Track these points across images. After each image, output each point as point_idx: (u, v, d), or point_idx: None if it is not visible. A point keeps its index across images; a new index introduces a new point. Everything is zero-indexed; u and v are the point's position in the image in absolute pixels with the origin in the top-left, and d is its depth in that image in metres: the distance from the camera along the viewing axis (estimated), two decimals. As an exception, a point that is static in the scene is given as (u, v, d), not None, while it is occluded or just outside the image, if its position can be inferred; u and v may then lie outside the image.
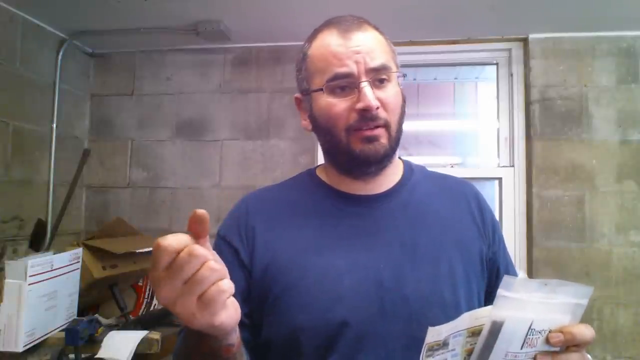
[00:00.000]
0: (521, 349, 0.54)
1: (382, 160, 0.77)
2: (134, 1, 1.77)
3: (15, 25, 1.85)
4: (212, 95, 2.24)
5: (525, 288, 0.52)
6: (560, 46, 2.02)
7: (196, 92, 2.25)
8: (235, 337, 0.59)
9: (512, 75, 2.12)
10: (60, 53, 2.05)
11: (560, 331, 0.56)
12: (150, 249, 2.10)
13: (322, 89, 0.76)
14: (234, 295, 0.53)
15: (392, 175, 0.83)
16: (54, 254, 1.49)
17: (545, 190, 1.97)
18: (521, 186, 2.05)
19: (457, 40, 2.11)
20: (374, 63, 0.74)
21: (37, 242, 1.84)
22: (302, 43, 0.84)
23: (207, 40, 2.10)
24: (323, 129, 0.78)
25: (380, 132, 0.75)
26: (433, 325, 0.60)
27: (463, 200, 0.85)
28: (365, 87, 0.73)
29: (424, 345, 0.55)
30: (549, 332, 0.55)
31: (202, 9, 1.86)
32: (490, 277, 0.82)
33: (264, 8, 1.83)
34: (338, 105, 0.75)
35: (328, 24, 0.81)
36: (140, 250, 1.89)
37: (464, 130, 2.95)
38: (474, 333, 0.54)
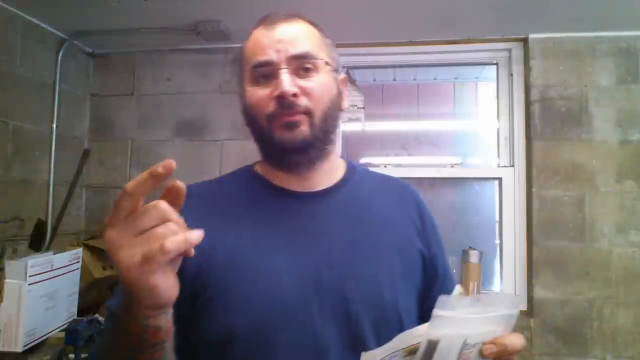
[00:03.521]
0: None
1: (303, 148, 0.74)
2: (134, 1, 1.77)
3: (15, 25, 1.85)
4: (212, 95, 2.24)
5: (460, 305, 0.53)
6: (560, 46, 2.02)
7: (196, 92, 2.25)
8: (165, 322, 0.53)
9: (512, 75, 2.12)
10: (60, 53, 2.05)
11: (493, 343, 0.57)
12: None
13: (245, 78, 0.76)
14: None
15: (331, 173, 0.82)
16: (54, 254, 1.49)
17: (545, 190, 1.97)
18: (521, 186, 2.05)
19: (457, 40, 2.11)
20: (296, 50, 0.73)
21: (37, 242, 1.84)
22: None
23: (207, 40, 2.10)
24: (250, 120, 0.78)
25: (301, 118, 0.73)
26: (367, 325, 0.63)
27: (404, 201, 0.85)
28: (283, 74, 0.72)
29: None
30: (482, 344, 0.56)
31: (202, 9, 1.86)
32: (429, 279, 0.82)
33: (264, 8, 1.80)
34: (259, 93, 0.74)
35: (259, 20, 0.81)
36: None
37: (464, 130, 2.95)
38: (411, 352, 0.55)
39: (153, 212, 0.47)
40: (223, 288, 0.69)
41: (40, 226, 1.87)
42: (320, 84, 0.75)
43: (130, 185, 0.47)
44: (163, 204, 0.48)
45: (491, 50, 2.16)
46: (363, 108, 2.26)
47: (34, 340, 1.36)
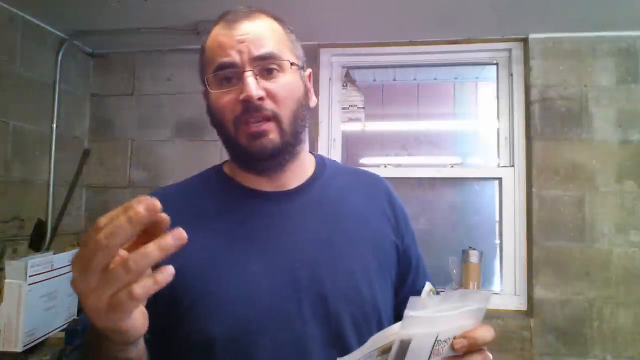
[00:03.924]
0: (429, 359, 0.57)
1: (273, 156, 0.72)
2: (134, 1, 1.77)
3: (15, 25, 1.85)
4: (212, 95, 2.23)
5: (431, 304, 0.55)
6: (560, 46, 2.02)
7: (196, 92, 2.22)
8: (135, 354, 0.53)
9: (512, 75, 2.12)
10: (60, 53, 2.05)
11: (464, 337, 0.58)
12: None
13: (208, 81, 0.73)
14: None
15: (301, 171, 0.80)
16: (54, 254, 1.49)
17: (545, 190, 1.97)
18: (521, 186, 2.05)
19: (457, 40, 2.11)
20: (259, 51, 0.70)
21: (37, 242, 1.84)
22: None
23: (207, 40, 2.09)
24: (216, 123, 0.75)
25: (268, 126, 0.70)
26: (347, 322, 0.64)
27: (375, 195, 0.84)
28: (248, 77, 0.69)
29: None
30: (453, 338, 0.58)
31: (202, 9, 1.86)
32: (403, 270, 0.82)
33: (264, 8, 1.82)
34: (224, 96, 0.71)
35: (220, 15, 0.76)
36: (140, 250, 1.89)
37: (464, 130, 2.95)
38: (384, 351, 0.56)
39: (105, 249, 0.41)
40: (199, 296, 0.68)
41: (40, 226, 1.87)
42: (286, 86, 0.72)
43: (104, 235, 0.40)
44: (114, 238, 0.41)
45: (491, 50, 2.16)
46: (363, 108, 2.26)
47: (34, 340, 1.36)
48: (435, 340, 0.56)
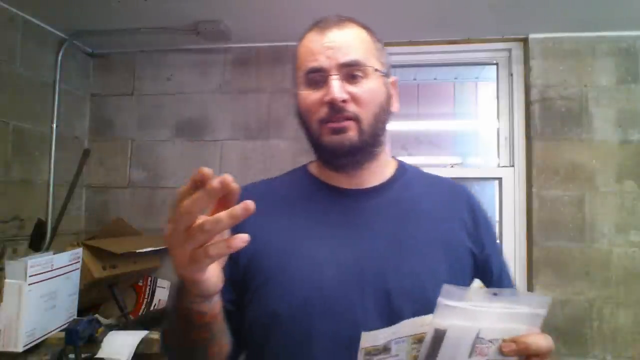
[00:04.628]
0: (470, 357, 0.54)
1: (351, 153, 0.77)
2: (134, 1, 1.77)
3: (15, 25, 1.85)
4: (212, 95, 2.24)
5: (470, 297, 0.53)
6: (560, 46, 2.02)
7: (196, 92, 2.25)
8: (208, 309, 0.62)
9: (512, 75, 2.12)
10: (60, 53, 2.05)
11: (514, 341, 0.56)
12: (151, 249, 2.11)
13: (298, 83, 0.79)
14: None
15: (380, 172, 0.85)
16: (54, 254, 1.49)
17: (545, 190, 1.97)
18: (521, 186, 2.05)
19: (457, 40, 2.11)
20: (345, 58, 0.76)
21: (37, 242, 1.84)
22: None
23: (207, 40, 2.10)
24: (303, 122, 0.82)
25: (349, 124, 0.76)
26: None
27: (454, 201, 0.86)
28: (333, 80, 0.75)
29: (359, 350, 0.55)
30: (502, 341, 0.55)
31: (202, 9, 1.86)
32: (482, 279, 0.81)
33: (264, 8, 1.83)
34: (310, 98, 0.78)
35: (313, 23, 0.83)
36: (141, 251, 1.89)
37: (464, 130, 2.95)
38: (420, 340, 0.54)
39: (188, 213, 0.51)
40: (269, 276, 0.75)
41: (40, 226, 1.87)
42: (368, 91, 0.77)
43: (187, 205, 0.50)
44: (196, 204, 0.51)
45: (491, 50, 2.16)
46: (363, 108, 2.26)
47: (34, 340, 1.36)
48: (477, 337, 0.54)
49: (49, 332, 1.43)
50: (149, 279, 2.07)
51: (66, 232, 2.06)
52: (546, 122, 2.00)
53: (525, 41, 2.08)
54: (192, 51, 2.23)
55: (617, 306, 1.88)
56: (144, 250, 1.91)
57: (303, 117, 0.81)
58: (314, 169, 0.89)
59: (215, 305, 0.63)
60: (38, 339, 1.38)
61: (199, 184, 0.51)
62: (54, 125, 2.02)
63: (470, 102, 3.00)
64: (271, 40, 2.15)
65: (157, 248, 2.02)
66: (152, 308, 2.02)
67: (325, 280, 0.73)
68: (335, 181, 0.83)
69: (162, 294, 2.08)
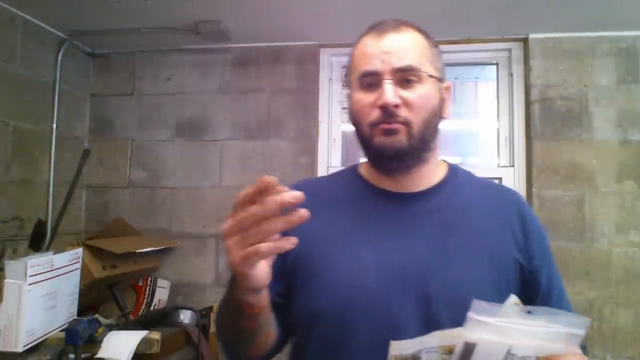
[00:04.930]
0: None
1: (399, 156, 0.78)
2: (134, 1, 1.77)
3: (15, 25, 1.85)
4: (212, 95, 2.24)
5: (502, 313, 0.53)
6: (560, 46, 2.02)
7: (196, 92, 2.25)
8: (256, 301, 0.66)
9: (512, 75, 2.12)
10: (60, 53, 2.05)
11: (548, 359, 0.55)
12: (151, 249, 2.11)
13: (352, 85, 0.81)
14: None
15: (428, 177, 0.85)
16: (54, 254, 1.49)
17: (545, 190, 1.97)
18: (521, 186, 2.05)
19: (457, 40, 2.11)
20: (400, 63, 0.76)
21: (37, 242, 1.84)
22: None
23: (207, 40, 2.10)
24: (354, 123, 0.83)
25: (399, 127, 0.76)
26: (448, 327, 0.61)
27: (504, 209, 0.84)
28: (386, 84, 0.75)
29: (388, 357, 0.56)
30: (536, 359, 0.55)
31: (202, 9, 1.86)
32: (529, 292, 0.80)
33: (264, 8, 1.83)
34: (363, 100, 0.79)
35: (370, 27, 0.84)
36: (141, 251, 1.89)
37: (464, 130, 2.95)
38: (450, 351, 0.55)
39: (245, 216, 0.55)
40: (313, 274, 0.77)
41: (40, 226, 1.87)
42: (421, 96, 0.77)
43: (256, 209, 0.54)
44: (251, 210, 0.55)
45: (491, 50, 2.16)
46: (363, 108, 2.26)
47: (34, 340, 1.36)
48: (508, 353, 0.53)
49: (49, 332, 1.42)
50: (149, 279, 2.07)
51: (66, 232, 2.06)
52: (546, 122, 2.00)
53: (525, 41, 2.08)
54: (192, 51, 2.23)
55: (617, 306, 1.88)
56: (144, 250, 1.91)
57: (355, 118, 0.82)
58: (363, 170, 0.89)
59: (263, 298, 0.67)
60: (38, 339, 1.38)
61: (264, 190, 0.54)
62: (54, 125, 2.02)
63: (470, 102, 3.00)
64: (271, 40, 2.15)
65: (157, 248, 2.03)
66: (152, 308, 2.02)
67: (368, 282, 0.74)
68: (384, 184, 0.84)
69: (162, 294, 2.08)
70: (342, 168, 0.96)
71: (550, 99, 2.01)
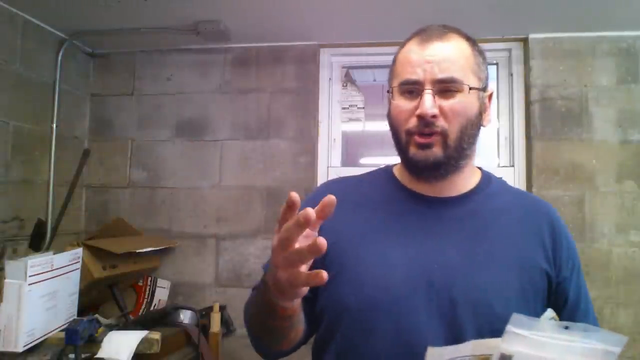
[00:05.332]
0: None
1: (433, 168, 0.78)
2: (134, 1, 1.77)
3: (15, 25, 1.85)
4: (212, 95, 2.24)
5: (538, 327, 0.53)
6: (560, 46, 2.02)
7: (196, 92, 2.25)
8: (291, 305, 0.67)
9: (512, 75, 2.12)
10: (60, 53, 2.05)
11: None
12: (151, 249, 2.11)
13: (393, 91, 0.81)
14: None
15: (462, 183, 0.85)
16: (54, 254, 1.49)
17: (545, 190, 1.97)
18: (521, 186, 2.05)
19: (457, 40, 2.11)
20: (442, 75, 0.76)
21: (37, 242, 1.85)
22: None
23: (207, 40, 2.10)
24: (392, 128, 0.84)
25: (435, 139, 0.77)
26: (471, 332, 0.64)
27: (535, 220, 0.84)
28: (426, 94, 0.75)
29: None
30: None
31: (202, 9, 1.86)
32: (556, 303, 0.80)
33: (264, 8, 1.83)
34: (402, 107, 0.79)
35: (416, 31, 0.84)
36: (141, 251, 1.89)
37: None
38: None
39: (281, 240, 0.57)
40: (341, 271, 0.78)
41: (40, 226, 1.87)
42: (461, 107, 0.77)
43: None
44: (287, 235, 0.56)
45: (491, 50, 2.15)
46: (363, 108, 2.26)
47: (34, 340, 1.36)
48: None
49: (49, 332, 1.42)
50: (149, 279, 2.07)
51: (66, 232, 2.06)
52: (546, 122, 2.00)
53: (525, 41, 2.08)
54: (192, 51, 2.23)
55: (617, 306, 1.88)
56: (144, 250, 1.91)
57: (393, 124, 0.82)
58: (397, 171, 0.90)
59: (296, 302, 0.68)
60: (38, 339, 1.38)
61: (292, 205, 0.56)
62: (54, 125, 2.02)
63: (470, 102, 3.01)
64: (271, 40, 2.15)
65: (157, 248, 2.03)
66: (152, 308, 2.02)
67: (393, 282, 0.75)
68: (417, 187, 0.84)
69: (162, 294, 2.08)
70: (375, 168, 0.96)
71: (550, 99, 2.01)
